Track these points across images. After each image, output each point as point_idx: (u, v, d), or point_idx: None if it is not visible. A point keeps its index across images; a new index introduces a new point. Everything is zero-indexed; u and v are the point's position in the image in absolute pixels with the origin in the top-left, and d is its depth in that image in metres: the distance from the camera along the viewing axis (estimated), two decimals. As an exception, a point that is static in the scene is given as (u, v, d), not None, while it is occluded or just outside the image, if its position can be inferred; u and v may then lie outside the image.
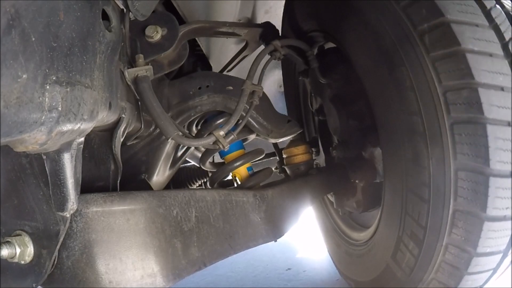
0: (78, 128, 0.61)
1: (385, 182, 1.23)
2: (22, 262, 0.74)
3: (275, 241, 1.20)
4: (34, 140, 0.55)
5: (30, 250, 0.74)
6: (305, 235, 2.89)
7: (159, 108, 0.93)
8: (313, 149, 1.79)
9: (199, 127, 1.44)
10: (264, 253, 2.57)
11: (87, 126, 0.65)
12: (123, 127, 0.88)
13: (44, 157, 0.65)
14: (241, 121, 1.16)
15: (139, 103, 1.01)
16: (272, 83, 2.34)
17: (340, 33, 1.30)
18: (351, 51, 1.25)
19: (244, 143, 1.45)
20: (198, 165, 1.82)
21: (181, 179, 1.89)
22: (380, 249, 1.30)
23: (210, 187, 1.44)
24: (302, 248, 2.74)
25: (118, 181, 0.93)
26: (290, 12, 1.62)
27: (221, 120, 1.29)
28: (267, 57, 1.32)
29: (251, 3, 1.71)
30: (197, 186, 1.91)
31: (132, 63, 0.95)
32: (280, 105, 2.13)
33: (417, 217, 1.08)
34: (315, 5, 1.42)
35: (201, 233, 0.98)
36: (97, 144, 0.89)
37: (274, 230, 1.19)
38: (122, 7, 0.85)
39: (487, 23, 0.98)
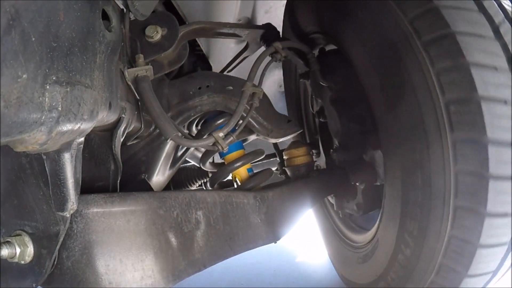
0: (78, 128, 0.61)
1: (386, 184, 1.23)
2: (22, 262, 0.73)
3: (275, 242, 1.20)
4: (34, 140, 0.55)
5: (30, 250, 0.74)
6: (304, 238, 2.89)
7: (158, 108, 0.93)
8: (313, 151, 1.79)
9: (199, 127, 1.44)
10: (261, 255, 2.57)
11: (87, 126, 0.64)
12: (123, 127, 0.88)
13: (44, 157, 0.65)
14: (241, 122, 1.16)
15: (139, 103, 1.01)
16: (272, 83, 2.34)
17: (341, 35, 1.30)
18: (352, 53, 1.25)
19: (244, 144, 1.45)
20: (198, 165, 1.81)
21: (180, 179, 1.89)
22: (380, 251, 1.30)
23: (210, 188, 1.44)
24: (301, 251, 2.74)
25: (118, 181, 0.92)
26: (291, 13, 1.62)
27: (221, 120, 1.29)
28: (268, 58, 1.31)
29: (251, 3, 1.71)
30: (196, 187, 1.91)
31: (132, 63, 0.95)
32: (280, 105, 2.13)
33: (417, 219, 1.07)
34: (316, 7, 1.42)
35: (201, 235, 0.98)
36: (97, 144, 0.89)
37: (274, 232, 1.19)
38: (122, 7, 0.85)
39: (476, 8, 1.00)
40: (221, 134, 1.04)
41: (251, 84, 1.14)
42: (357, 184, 1.47)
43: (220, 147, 1.06)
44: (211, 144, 1.05)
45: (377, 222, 1.34)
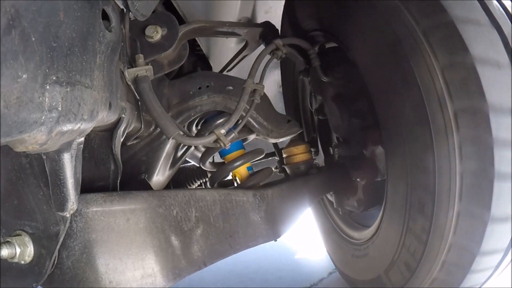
0: (78, 128, 0.61)
1: (388, 180, 1.23)
2: (22, 262, 0.73)
3: (275, 240, 1.20)
4: (34, 140, 0.55)
5: (30, 250, 0.74)
6: (304, 235, 2.89)
7: (159, 108, 0.93)
8: (312, 149, 1.79)
9: (199, 127, 1.44)
10: (261, 253, 2.57)
11: (87, 126, 0.65)
12: (123, 127, 0.88)
13: (44, 157, 0.65)
14: (241, 120, 1.16)
15: (139, 103, 1.01)
16: (272, 83, 2.34)
17: (342, 32, 1.30)
18: (353, 50, 1.25)
19: (244, 143, 1.45)
20: (198, 165, 1.81)
21: (180, 179, 1.89)
22: (382, 248, 1.30)
23: (210, 187, 1.44)
24: (300, 249, 2.74)
25: (118, 181, 0.92)
26: (290, 11, 1.62)
27: (221, 120, 1.29)
28: (268, 56, 1.31)
29: (251, 3, 1.71)
30: (196, 186, 1.91)
31: (132, 63, 0.95)
32: (280, 105, 2.13)
33: (421, 215, 1.07)
34: (316, 5, 1.42)
35: (201, 233, 0.98)
36: (97, 144, 0.89)
37: (274, 229, 1.19)
38: (122, 7, 0.85)
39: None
40: (222, 131, 1.04)
41: (252, 80, 1.14)
42: (358, 180, 1.47)
43: (222, 144, 1.06)
44: (213, 141, 1.05)
45: (379, 219, 1.34)
